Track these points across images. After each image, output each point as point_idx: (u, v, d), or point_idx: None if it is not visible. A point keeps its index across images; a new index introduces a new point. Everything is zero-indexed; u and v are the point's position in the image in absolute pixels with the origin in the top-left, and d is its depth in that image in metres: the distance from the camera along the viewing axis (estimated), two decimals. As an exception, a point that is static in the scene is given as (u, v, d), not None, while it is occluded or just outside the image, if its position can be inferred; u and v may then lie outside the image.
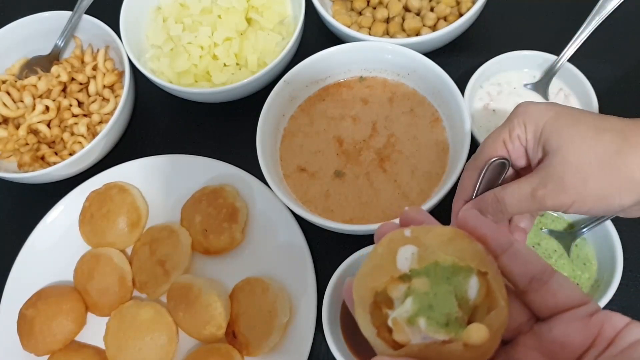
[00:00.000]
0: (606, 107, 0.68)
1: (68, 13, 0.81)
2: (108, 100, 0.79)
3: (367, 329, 0.32)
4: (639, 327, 0.30)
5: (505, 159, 0.49)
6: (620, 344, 0.30)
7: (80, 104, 0.79)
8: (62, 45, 0.83)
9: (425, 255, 0.32)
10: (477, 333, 0.30)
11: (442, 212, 0.70)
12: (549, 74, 0.70)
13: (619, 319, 0.31)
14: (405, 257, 0.32)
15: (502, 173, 0.50)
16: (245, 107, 0.79)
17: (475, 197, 0.50)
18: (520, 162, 0.50)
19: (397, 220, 0.38)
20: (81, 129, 0.76)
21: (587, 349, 0.31)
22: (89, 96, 0.80)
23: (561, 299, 0.32)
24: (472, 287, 0.32)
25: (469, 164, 0.52)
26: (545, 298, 0.32)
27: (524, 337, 0.33)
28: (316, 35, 0.82)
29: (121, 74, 0.81)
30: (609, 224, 0.60)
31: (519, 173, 0.51)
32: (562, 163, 0.44)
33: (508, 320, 0.32)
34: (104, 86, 0.80)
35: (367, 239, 0.63)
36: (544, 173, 0.45)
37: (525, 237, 0.51)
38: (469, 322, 0.31)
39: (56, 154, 0.76)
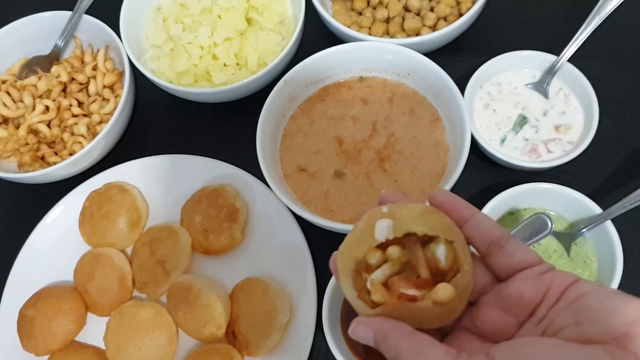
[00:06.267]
0: (606, 107, 0.68)
1: (68, 13, 0.81)
2: (108, 100, 0.79)
3: (349, 292, 0.35)
4: (586, 284, 0.33)
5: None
6: (569, 297, 0.33)
7: (80, 104, 0.79)
8: (62, 45, 0.83)
9: (400, 227, 0.35)
10: (444, 291, 0.33)
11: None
12: (549, 74, 0.70)
13: (568, 277, 0.34)
14: (382, 229, 0.36)
15: None
16: (245, 107, 0.79)
17: None
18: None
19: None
20: (81, 129, 0.76)
21: (540, 303, 0.34)
22: (89, 96, 0.80)
23: (516, 260, 0.35)
24: (441, 254, 0.35)
25: None
26: (503, 260, 0.36)
27: (486, 296, 0.37)
28: (316, 35, 0.82)
29: (121, 74, 0.80)
30: (609, 224, 0.60)
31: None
32: None
33: (473, 284, 0.35)
34: (104, 86, 0.80)
35: (367, 239, 0.63)
36: None
37: None
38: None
39: (56, 154, 0.76)
